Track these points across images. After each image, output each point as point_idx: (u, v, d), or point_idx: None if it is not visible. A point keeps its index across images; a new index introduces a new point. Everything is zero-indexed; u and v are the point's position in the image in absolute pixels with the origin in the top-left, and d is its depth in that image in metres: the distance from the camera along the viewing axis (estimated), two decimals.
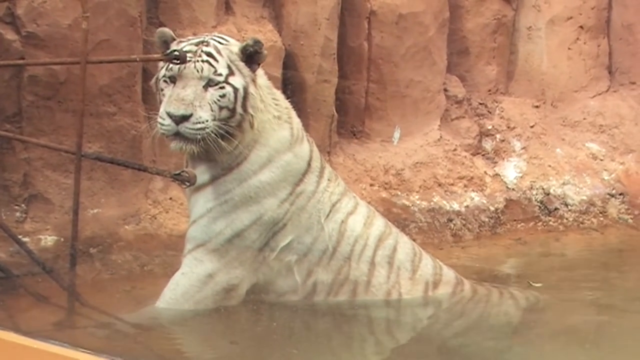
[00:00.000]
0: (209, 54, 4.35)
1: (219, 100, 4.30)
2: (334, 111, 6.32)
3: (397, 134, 6.62)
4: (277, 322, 4.40)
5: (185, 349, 4.32)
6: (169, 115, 4.22)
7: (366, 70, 6.56)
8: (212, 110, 4.26)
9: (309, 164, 4.55)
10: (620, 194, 6.96)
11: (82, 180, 4.96)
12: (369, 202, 5.19)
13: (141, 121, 5.50)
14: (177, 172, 4.50)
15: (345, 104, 6.54)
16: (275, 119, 4.51)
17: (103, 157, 5.14)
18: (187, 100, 4.23)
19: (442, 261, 4.93)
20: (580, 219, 6.78)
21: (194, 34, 5.70)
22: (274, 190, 4.43)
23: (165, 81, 4.34)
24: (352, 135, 6.61)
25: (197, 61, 4.31)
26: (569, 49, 7.30)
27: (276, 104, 4.56)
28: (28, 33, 5.20)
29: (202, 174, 4.41)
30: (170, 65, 4.32)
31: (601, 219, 6.81)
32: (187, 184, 4.46)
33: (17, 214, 5.27)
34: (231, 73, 4.36)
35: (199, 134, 4.24)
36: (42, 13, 5.20)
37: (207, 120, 4.24)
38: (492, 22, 7.12)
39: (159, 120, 4.26)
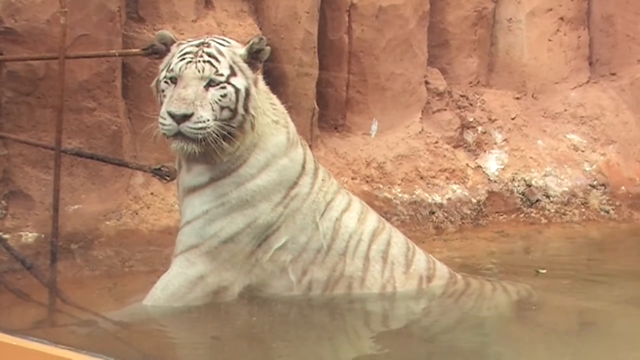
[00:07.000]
0: (210, 55, 4.31)
1: (220, 100, 4.26)
2: (315, 104, 6.31)
3: (374, 127, 6.62)
4: (256, 316, 4.39)
5: (166, 345, 4.31)
6: (170, 114, 4.17)
7: (347, 63, 6.56)
8: (213, 110, 4.22)
9: (303, 167, 4.54)
10: (602, 185, 6.98)
11: (62, 176, 4.94)
12: None
13: (121, 116, 5.48)
14: (157, 167, 4.49)
15: (326, 97, 6.54)
16: (274, 124, 4.49)
17: (83, 152, 5.12)
18: (188, 99, 4.18)
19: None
20: (562, 210, 6.80)
21: (174, 29, 5.72)
22: (269, 194, 4.41)
23: (166, 82, 4.30)
24: (334, 128, 6.61)
25: (199, 62, 4.27)
26: (550, 40, 7.32)
27: (274, 109, 4.55)
28: (6, 29, 5.17)
29: (199, 175, 4.37)
30: (172, 66, 4.28)
31: (583, 210, 6.84)
32: (167, 178, 4.45)
33: None
34: (233, 74, 4.33)
35: (200, 134, 4.20)
36: (20, 9, 5.17)
37: (208, 120, 4.20)
38: (473, 15, 7.13)
39: (160, 120, 4.21)
